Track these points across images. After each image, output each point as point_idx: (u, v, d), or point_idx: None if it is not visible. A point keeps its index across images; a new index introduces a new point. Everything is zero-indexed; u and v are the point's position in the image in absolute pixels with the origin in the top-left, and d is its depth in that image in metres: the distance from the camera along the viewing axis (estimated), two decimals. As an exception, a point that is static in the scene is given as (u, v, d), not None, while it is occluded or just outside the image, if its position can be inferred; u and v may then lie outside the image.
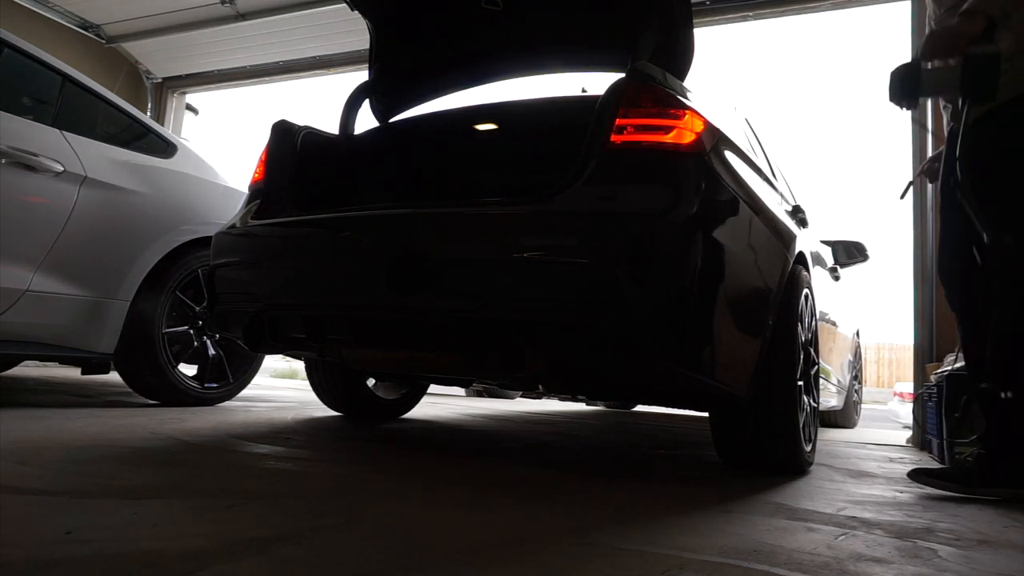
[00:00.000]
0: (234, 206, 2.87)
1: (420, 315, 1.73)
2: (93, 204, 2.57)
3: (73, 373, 4.74)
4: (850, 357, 4.53)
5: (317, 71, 6.84)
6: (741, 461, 2.11)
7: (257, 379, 3.62)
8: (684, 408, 2.51)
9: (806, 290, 2.26)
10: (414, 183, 2.80)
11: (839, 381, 4.04)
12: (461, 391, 6.23)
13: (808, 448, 2.20)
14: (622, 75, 1.78)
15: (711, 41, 5.80)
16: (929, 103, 3.78)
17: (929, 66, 1.76)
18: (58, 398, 3.01)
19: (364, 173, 2.65)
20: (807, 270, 2.36)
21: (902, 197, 2.57)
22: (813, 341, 2.38)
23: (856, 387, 4.96)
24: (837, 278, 3.97)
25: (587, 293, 1.55)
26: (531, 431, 3.14)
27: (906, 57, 4.52)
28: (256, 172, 2.37)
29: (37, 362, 4.86)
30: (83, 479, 1.36)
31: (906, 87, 1.73)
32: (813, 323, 2.40)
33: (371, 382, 3.01)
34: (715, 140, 1.77)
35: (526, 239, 1.66)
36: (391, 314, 1.77)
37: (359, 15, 2.50)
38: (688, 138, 1.69)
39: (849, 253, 4.16)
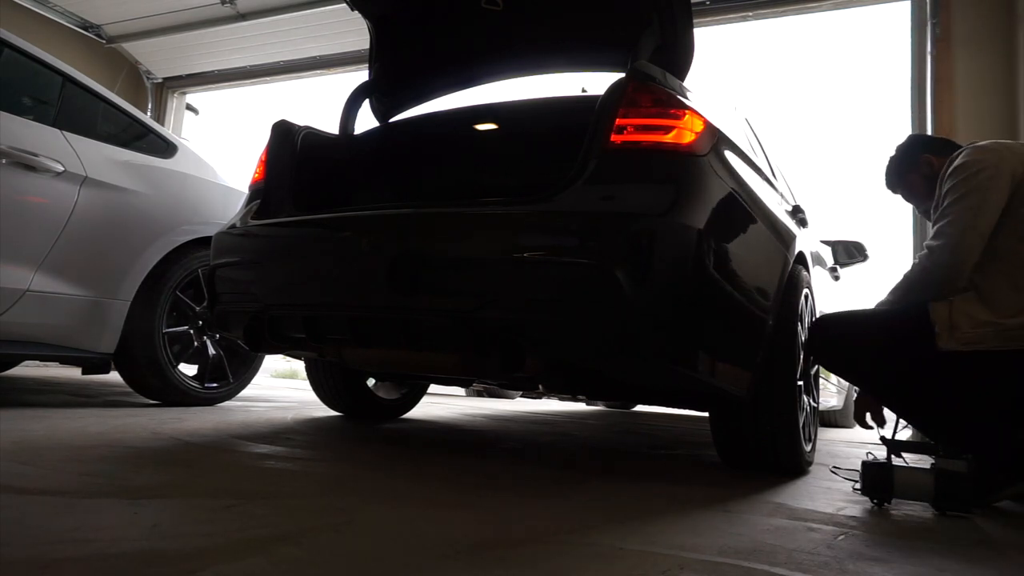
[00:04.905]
0: (234, 206, 2.87)
1: (420, 315, 1.73)
2: (93, 204, 2.57)
3: (73, 373, 4.74)
4: (850, 357, 4.52)
5: (317, 71, 6.85)
6: (741, 461, 2.11)
7: (257, 379, 3.62)
8: (684, 408, 2.51)
9: (806, 290, 2.26)
10: (414, 183, 2.80)
11: (839, 381, 4.04)
12: (461, 391, 6.22)
13: (808, 448, 2.20)
14: (622, 75, 1.78)
15: (711, 41, 5.79)
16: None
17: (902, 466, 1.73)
18: (58, 398, 3.01)
19: (364, 173, 2.65)
20: (807, 270, 2.36)
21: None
22: (813, 341, 2.38)
23: (856, 387, 4.95)
24: (837, 278, 3.96)
25: (587, 293, 1.55)
26: (531, 431, 3.14)
27: (905, 57, 4.53)
28: (256, 172, 2.37)
29: (37, 362, 4.86)
30: (83, 479, 1.36)
31: (877, 486, 1.70)
32: (813, 323, 2.39)
33: (371, 382, 3.01)
34: (715, 140, 1.77)
35: (526, 239, 1.66)
36: (391, 314, 1.77)
37: (359, 15, 2.50)
38: (688, 138, 1.69)
39: (849, 253, 4.16)
